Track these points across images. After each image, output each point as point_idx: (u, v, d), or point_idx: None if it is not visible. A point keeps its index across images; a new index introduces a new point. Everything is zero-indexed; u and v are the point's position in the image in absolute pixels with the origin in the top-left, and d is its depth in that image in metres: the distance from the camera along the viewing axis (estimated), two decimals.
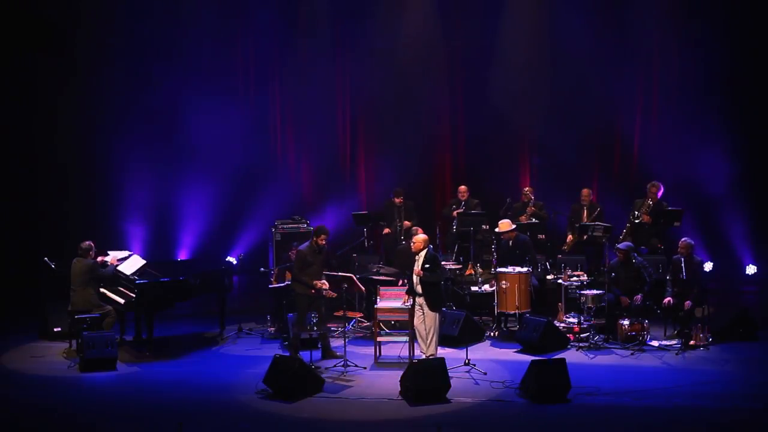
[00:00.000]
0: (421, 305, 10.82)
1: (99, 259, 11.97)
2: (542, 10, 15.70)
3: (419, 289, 10.79)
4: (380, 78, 15.89)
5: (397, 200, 14.56)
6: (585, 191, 14.47)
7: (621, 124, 15.72)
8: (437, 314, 10.84)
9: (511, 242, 12.96)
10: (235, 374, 10.76)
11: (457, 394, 9.75)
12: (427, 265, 10.75)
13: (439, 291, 11.03)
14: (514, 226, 12.97)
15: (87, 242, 11.80)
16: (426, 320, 10.81)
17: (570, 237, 14.36)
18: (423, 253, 10.85)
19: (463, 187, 14.68)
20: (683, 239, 12.28)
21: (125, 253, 12.39)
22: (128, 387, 10.47)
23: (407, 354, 10.99)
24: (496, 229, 13.02)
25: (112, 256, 12.11)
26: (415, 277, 10.83)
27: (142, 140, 15.70)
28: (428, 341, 10.82)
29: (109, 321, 11.68)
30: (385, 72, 15.87)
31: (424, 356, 10.80)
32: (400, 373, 10.02)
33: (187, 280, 11.89)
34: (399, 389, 9.84)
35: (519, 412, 9.35)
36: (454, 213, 14.42)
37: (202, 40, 15.89)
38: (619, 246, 12.43)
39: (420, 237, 11.09)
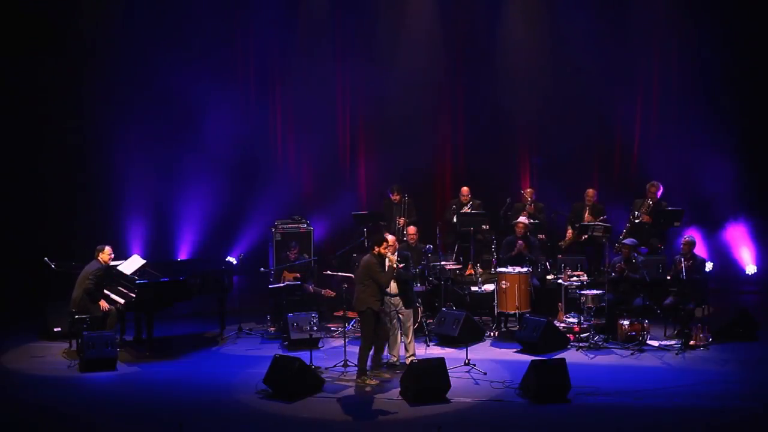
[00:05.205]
0: (396, 306, 10.84)
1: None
2: (543, 11, 15.70)
3: (395, 289, 10.81)
4: (381, 78, 15.85)
5: (394, 197, 14.51)
6: (590, 191, 14.37)
7: (621, 124, 15.69)
8: (411, 311, 10.94)
9: (523, 245, 12.95)
10: (235, 374, 10.76)
11: (457, 394, 9.75)
12: (402, 264, 10.80)
13: (412, 288, 11.19)
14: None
15: (101, 245, 11.84)
16: (404, 320, 10.86)
17: (570, 232, 14.31)
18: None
19: (465, 189, 14.61)
20: (686, 235, 12.29)
21: (136, 262, 12.24)
22: (128, 387, 10.48)
23: (404, 354, 10.96)
24: (516, 221, 13.23)
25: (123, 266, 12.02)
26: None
27: (143, 140, 15.65)
28: (409, 340, 10.87)
29: (110, 321, 11.68)
30: (386, 72, 15.83)
31: (405, 357, 10.85)
32: (401, 373, 10.04)
33: (187, 280, 11.89)
34: (399, 389, 9.84)
35: (519, 412, 9.36)
36: (455, 219, 14.37)
37: (204, 39, 15.86)
38: (625, 241, 12.44)
39: (390, 238, 11.08)
